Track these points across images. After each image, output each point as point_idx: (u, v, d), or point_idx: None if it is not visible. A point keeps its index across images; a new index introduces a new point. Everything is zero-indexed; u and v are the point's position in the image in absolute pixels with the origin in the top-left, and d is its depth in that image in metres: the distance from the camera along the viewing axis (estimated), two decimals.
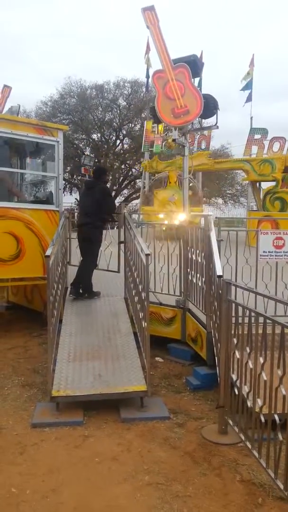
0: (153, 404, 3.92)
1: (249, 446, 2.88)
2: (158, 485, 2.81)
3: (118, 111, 29.48)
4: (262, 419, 2.69)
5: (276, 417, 2.54)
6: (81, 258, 6.11)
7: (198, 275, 4.89)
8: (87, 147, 29.87)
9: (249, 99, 17.39)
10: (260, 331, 2.77)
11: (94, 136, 30.40)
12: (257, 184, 14.47)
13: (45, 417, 3.69)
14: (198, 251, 4.89)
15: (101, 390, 3.83)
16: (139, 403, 3.86)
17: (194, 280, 5.02)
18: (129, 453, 3.19)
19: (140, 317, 4.36)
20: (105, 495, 2.72)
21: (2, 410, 3.86)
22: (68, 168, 28.02)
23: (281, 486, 2.42)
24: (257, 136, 14.69)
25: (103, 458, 3.12)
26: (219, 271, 3.84)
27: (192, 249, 5.12)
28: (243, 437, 3.00)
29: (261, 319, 2.80)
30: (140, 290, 4.41)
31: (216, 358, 3.97)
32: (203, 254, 4.68)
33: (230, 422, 3.26)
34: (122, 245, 6.14)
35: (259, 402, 2.76)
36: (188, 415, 3.80)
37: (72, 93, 28.80)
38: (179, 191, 12.51)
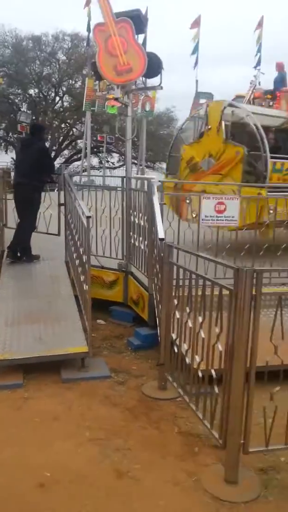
0: (94, 364, 3.96)
1: (187, 400, 3.02)
2: (99, 440, 2.88)
3: (57, 66, 27.94)
4: (200, 374, 2.82)
5: (213, 372, 2.67)
6: (18, 220, 5.86)
7: (140, 238, 4.90)
8: (23, 103, 28.19)
9: (195, 62, 17.24)
10: (200, 293, 2.86)
11: (31, 91, 28.69)
12: None
13: None
14: (140, 215, 4.88)
15: (41, 352, 3.79)
16: (80, 364, 3.89)
17: (137, 244, 5.04)
18: (70, 412, 3.22)
19: (82, 280, 4.32)
20: (46, 452, 2.74)
21: None
22: (3, 125, 26.41)
23: (217, 435, 2.58)
24: (202, 101, 14.69)
25: (43, 418, 3.13)
26: (161, 234, 3.87)
27: (135, 213, 5.10)
28: (181, 392, 3.14)
29: (201, 281, 2.88)
30: (81, 253, 4.35)
31: (157, 319, 4.07)
32: (145, 218, 4.68)
33: (170, 378, 3.40)
34: (62, 208, 5.97)
35: (197, 359, 2.88)
36: (129, 373, 3.90)
37: (6, 43, 26.70)
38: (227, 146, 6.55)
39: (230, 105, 6.45)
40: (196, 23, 16.85)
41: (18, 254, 5.80)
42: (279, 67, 9.93)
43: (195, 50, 17.11)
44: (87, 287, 4.03)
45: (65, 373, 3.79)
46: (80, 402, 3.36)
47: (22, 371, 3.75)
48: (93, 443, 2.85)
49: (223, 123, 6.24)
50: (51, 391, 3.53)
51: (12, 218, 6.21)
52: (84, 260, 4.16)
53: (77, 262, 4.72)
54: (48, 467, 2.60)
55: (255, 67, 16.95)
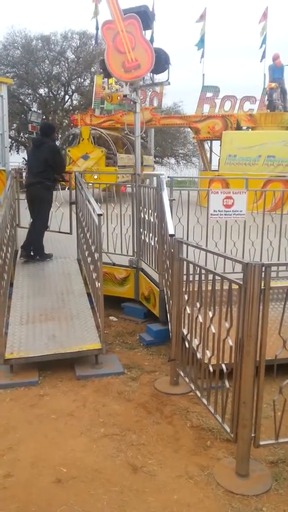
0: (107, 361, 4.01)
1: (199, 394, 3.05)
2: (113, 436, 2.93)
3: (66, 65, 27.99)
4: (211, 369, 2.84)
5: (224, 366, 2.69)
6: (31, 220, 5.94)
7: (150, 234, 4.92)
8: (33, 103, 28.36)
9: (201, 55, 17.06)
10: (210, 288, 2.87)
11: (41, 91, 28.82)
12: (207, 142, 14.47)
13: None
14: (150, 211, 4.90)
15: (55, 350, 3.86)
16: (94, 361, 3.94)
17: (147, 240, 5.06)
18: (85, 408, 3.28)
19: (94, 277, 4.37)
20: (62, 449, 2.80)
21: None
22: (14, 125, 26.59)
23: (228, 429, 2.60)
24: (209, 94, 14.58)
25: (59, 414, 3.19)
26: (171, 230, 3.89)
27: (145, 209, 5.12)
28: (193, 387, 3.16)
29: (210, 276, 2.90)
30: (93, 250, 4.39)
31: (168, 314, 4.09)
32: (155, 214, 4.69)
33: (181, 373, 3.42)
34: (73, 206, 6.02)
35: (208, 353, 2.90)
36: (141, 369, 3.93)
37: (16, 44, 26.85)
38: (95, 149, 12.29)
39: (93, 128, 12.87)
40: (202, 17, 16.67)
41: (32, 253, 5.88)
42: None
43: (201, 43, 16.93)
44: (99, 284, 4.08)
45: (79, 370, 3.85)
46: (94, 399, 3.42)
47: (37, 369, 3.82)
48: (108, 439, 2.90)
49: (91, 136, 12.48)
50: (66, 388, 3.59)
51: (25, 217, 6.29)
52: (96, 258, 4.20)
53: (89, 259, 4.77)
54: (65, 463, 2.65)
55: (261, 60, 16.73)
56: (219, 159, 12.51)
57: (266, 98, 13.08)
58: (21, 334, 4.10)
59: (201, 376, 3.00)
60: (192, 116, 13.74)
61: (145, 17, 6.24)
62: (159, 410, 3.25)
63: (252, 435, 2.46)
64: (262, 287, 2.39)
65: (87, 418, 3.15)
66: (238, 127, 12.55)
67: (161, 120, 14.10)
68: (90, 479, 2.52)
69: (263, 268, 2.38)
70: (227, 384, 2.62)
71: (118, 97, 13.92)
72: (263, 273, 2.38)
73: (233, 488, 2.40)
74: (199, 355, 3.06)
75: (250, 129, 12.70)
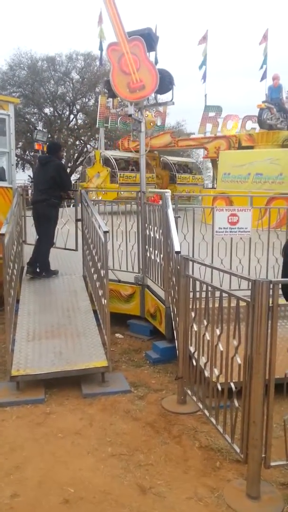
0: (114, 379, 3.99)
1: (207, 414, 3.01)
2: (121, 456, 2.89)
3: (71, 85, 28.55)
4: (219, 387, 2.82)
5: (232, 385, 2.66)
6: (37, 237, 5.98)
7: (156, 251, 4.94)
8: (39, 122, 28.81)
9: (203, 76, 17.40)
10: (217, 305, 2.87)
11: (47, 110, 29.35)
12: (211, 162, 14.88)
13: (5, 396, 3.66)
14: (156, 228, 4.93)
15: (61, 367, 3.84)
16: (100, 379, 3.92)
17: (153, 257, 5.08)
18: (92, 427, 3.24)
19: (100, 294, 4.37)
20: (69, 468, 2.76)
21: None
22: (20, 143, 26.98)
23: (237, 450, 2.57)
24: (211, 114, 14.82)
25: (65, 433, 3.16)
26: (177, 247, 3.91)
27: (150, 226, 5.15)
28: (201, 406, 3.13)
29: (217, 293, 2.90)
30: (99, 267, 4.41)
31: (174, 332, 4.08)
32: (160, 231, 4.72)
33: (189, 392, 3.39)
34: (79, 223, 6.07)
35: (216, 372, 2.88)
36: (148, 387, 3.90)
37: (22, 65, 27.47)
38: (103, 169, 15.33)
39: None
40: (204, 39, 17.07)
41: (38, 270, 5.91)
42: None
43: (203, 64, 17.28)
44: (105, 301, 4.08)
45: (86, 388, 3.82)
46: (101, 417, 3.38)
47: (43, 386, 3.80)
48: (115, 459, 2.86)
49: (101, 159, 15.53)
50: (72, 406, 3.56)
51: (31, 234, 6.34)
52: (102, 274, 4.22)
53: (95, 276, 4.78)
54: (72, 483, 2.62)
55: (261, 80, 17.04)
56: (216, 177, 13.00)
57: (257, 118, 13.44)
58: (28, 351, 4.09)
59: (209, 395, 2.97)
60: (202, 138, 14.93)
61: (149, 39, 6.39)
62: (167, 430, 3.21)
63: (263, 455, 2.43)
64: (270, 305, 2.39)
65: (94, 437, 3.12)
66: (240, 147, 12.89)
67: (179, 142, 16.10)
68: (98, 500, 2.48)
69: (271, 285, 2.39)
70: (236, 403, 2.60)
71: (151, 123, 16.07)
72: (270, 290, 2.39)
73: (243, 511, 2.35)
74: (207, 373, 3.03)
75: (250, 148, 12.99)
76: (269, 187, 10.86)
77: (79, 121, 30.10)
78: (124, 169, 15.70)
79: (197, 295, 3.22)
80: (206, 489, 2.56)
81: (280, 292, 2.60)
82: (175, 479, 2.67)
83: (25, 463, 2.81)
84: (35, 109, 28.81)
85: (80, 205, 6.09)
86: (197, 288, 3.22)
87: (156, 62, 8.58)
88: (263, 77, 17.06)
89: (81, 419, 3.35)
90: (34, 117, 29.36)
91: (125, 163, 16.13)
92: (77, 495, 2.52)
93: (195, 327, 3.25)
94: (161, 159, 17.01)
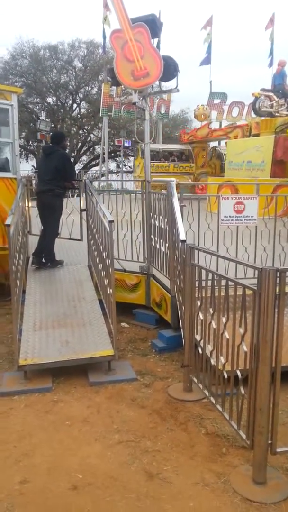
0: (120, 367, 4.02)
1: (213, 401, 3.04)
2: (128, 443, 2.93)
3: (74, 73, 28.32)
4: (225, 375, 2.83)
5: (238, 372, 2.68)
6: (42, 227, 5.99)
7: (161, 241, 4.93)
8: (42, 112, 28.67)
9: (206, 61, 17.15)
10: (223, 293, 2.87)
11: (49, 99, 29.17)
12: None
13: (13, 386, 3.70)
14: (161, 217, 4.92)
15: (68, 356, 3.87)
16: (107, 367, 3.95)
17: (158, 246, 5.07)
18: (99, 415, 3.28)
19: (105, 284, 4.39)
20: (77, 455, 2.80)
21: None
22: (23, 133, 26.89)
23: (243, 436, 2.59)
24: (216, 101, 14.67)
25: (73, 421, 3.20)
26: (182, 236, 3.90)
27: (155, 215, 5.13)
28: (207, 393, 3.15)
29: (223, 282, 2.90)
30: (104, 257, 4.41)
31: (180, 320, 4.09)
32: (166, 220, 4.71)
33: (195, 380, 3.41)
34: (84, 213, 6.06)
35: (222, 359, 2.89)
36: (154, 375, 3.93)
37: (24, 54, 27.25)
38: (141, 160, 15.23)
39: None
40: (209, 23, 16.78)
41: (43, 260, 5.92)
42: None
43: (208, 50, 17.03)
44: (111, 290, 4.09)
45: (92, 376, 3.85)
46: (108, 405, 3.42)
47: (50, 375, 3.83)
48: (122, 446, 2.90)
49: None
50: (80, 395, 3.60)
51: (36, 225, 6.35)
52: (107, 264, 4.22)
53: (100, 266, 4.79)
54: (80, 470, 2.66)
55: (269, 66, 16.81)
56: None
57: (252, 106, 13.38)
58: (35, 340, 4.12)
59: (215, 383, 2.99)
60: (227, 128, 15.46)
61: (153, 25, 6.30)
62: (173, 417, 3.24)
63: (269, 442, 2.44)
64: (277, 293, 2.39)
65: (101, 424, 3.16)
66: (251, 135, 12.95)
67: (213, 132, 16.33)
68: (106, 485, 2.52)
69: (278, 273, 2.38)
70: (242, 390, 2.61)
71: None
72: (277, 279, 2.38)
73: (250, 496, 2.38)
74: (213, 361, 3.05)
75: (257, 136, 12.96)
76: (255, 175, 10.94)
77: (82, 110, 29.92)
78: (163, 159, 17.22)
79: (203, 283, 3.22)
80: (212, 474, 2.59)
81: (287, 280, 2.59)
82: (182, 465, 2.70)
83: (34, 450, 2.85)
84: (38, 99, 28.64)
85: (84, 195, 6.08)
86: (203, 277, 3.22)
87: (159, 48, 8.47)
88: (271, 63, 16.83)
89: (88, 407, 3.39)
90: (37, 107, 29.21)
91: (162, 154, 17.56)
92: (85, 481, 2.56)
93: (201, 316, 3.26)
94: (216, 149, 17.37)
